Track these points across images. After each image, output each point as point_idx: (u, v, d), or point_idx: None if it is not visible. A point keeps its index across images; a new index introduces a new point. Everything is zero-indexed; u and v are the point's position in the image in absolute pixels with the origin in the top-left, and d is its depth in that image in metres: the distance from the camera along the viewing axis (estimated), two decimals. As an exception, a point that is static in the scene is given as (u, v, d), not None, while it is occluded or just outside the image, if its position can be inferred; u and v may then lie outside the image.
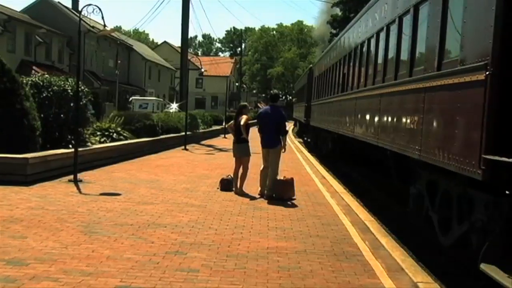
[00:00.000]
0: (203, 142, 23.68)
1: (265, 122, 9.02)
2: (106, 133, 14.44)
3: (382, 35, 8.57)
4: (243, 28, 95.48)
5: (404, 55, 7.08)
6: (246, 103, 10.47)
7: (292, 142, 27.12)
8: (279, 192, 8.83)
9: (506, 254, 4.00)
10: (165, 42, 73.17)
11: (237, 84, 74.32)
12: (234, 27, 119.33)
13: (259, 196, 8.87)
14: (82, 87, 12.11)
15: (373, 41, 9.38)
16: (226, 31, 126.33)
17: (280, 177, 9.22)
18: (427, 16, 6.12)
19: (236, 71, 78.21)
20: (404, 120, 6.74)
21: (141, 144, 15.90)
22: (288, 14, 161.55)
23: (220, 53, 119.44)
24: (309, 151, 21.38)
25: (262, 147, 9.11)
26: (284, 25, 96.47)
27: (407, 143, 6.48)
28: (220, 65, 69.59)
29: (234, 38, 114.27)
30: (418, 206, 6.63)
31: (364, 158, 11.34)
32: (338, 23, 42.35)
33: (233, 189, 9.26)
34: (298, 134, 36.05)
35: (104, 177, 10.39)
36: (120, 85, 39.17)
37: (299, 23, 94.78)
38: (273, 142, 8.94)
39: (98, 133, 14.20)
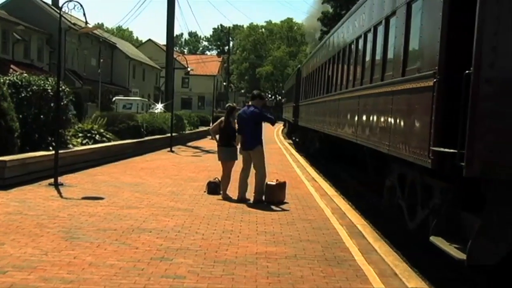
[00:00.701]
0: (189, 144, 23.64)
1: (243, 123, 8.94)
2: (89, 134, 14.35)
3: (361, 42, 9.62)
4: (231, 25, 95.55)
5: (378, 61, 8.10)
6: (235, 105, 10.40)
7: (282, 143, 27.17)
8: (270, 196, 8.83)
9: (449, 228, 5.20)
10: (149, 40, 72.95)
11: (224, 83, 74.29)
12: (221, 25, 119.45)
13: (247, 199, 8.84)
14: (63, 87, 12.02)
15: (353, 47, 10.47)
16: (213, 28, 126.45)
17: (270, 180, 9.23)
18: (395, 28, 7.20)
19: (224, 70, 78.22)
20: (377, 119, 7.84)
21: (125, 146, 15.82)
22: (277, 11, 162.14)
23: (207, 52, 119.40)
24: (298, 151, 22.00)
25: (242, 149, 8.98)
26: (273, 22, 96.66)
27: (379, 140, 7.57)
28: (207, 64, 69.55)
29: (222, 36, 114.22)
30: (391, 197, 7.52)
31: (348, 156, 12.32)
32: (329, 20, 42.58)
33: (221, 193, 9.21)
34: (288, 135, 36.19)
35: (86, 181, 10.32)
36: (103, 85, 38.91)
37: (289, 20, 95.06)
38: (251, 143, 8.83)
39: (80, 134, 14.09)
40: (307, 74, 21.33)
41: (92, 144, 13.92)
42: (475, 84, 4.46)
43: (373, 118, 8.11)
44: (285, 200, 9.02)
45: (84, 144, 13.61)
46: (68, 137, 12.81)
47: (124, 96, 39.41)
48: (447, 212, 5.31)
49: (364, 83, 9.10)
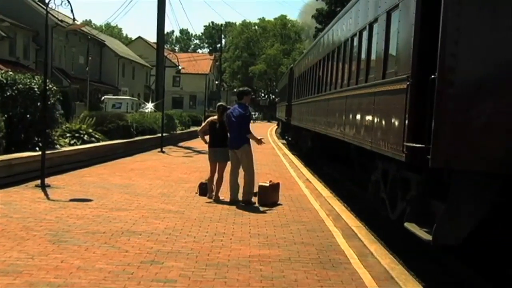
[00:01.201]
0: (180, 144, 23.60)
1: (230, 121, 8.91)
2: (77, 134, 14.30)
3: (348, 45, 10.47)
4: (223, 23, 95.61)
5: (363, 64, 8.93)
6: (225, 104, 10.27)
7: (275, 143, 27.20)
8: (263, 197, 8.83)
9: (421, 215, 5.93)
10: (139, 37, 72.76)
11: (216, 82, 74.24)
12: (212, 22, 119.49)
13: (239, 200, 8.83)
14: (50, 86, 11.97)
15: (341, 49, 11.25)
16: (205, 26, 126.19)
17: (264, 181, 9.22)
18: (377, 34, 7.99)
19: (216, 69, 78.14)
20: (361, 118, 8.62)
21: (114, 147, 15.77)
22: (271, 8, 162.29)
23: (198, 50, 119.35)
24: (291, 151, 22.55)
25: (229, 148, 8.95)
26: (266, 19, 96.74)
27: (363, 137, 8.36)
28: (199, 62, 69.48)
29: (214, 33, 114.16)
30: (375, 191, 8.25)
31: (338, 154, 12.98)
32: (323, 17, 42.69)
33: (208, 195, 9.18)
34: (281, 134, 36.28)
35: (74, 182, 10.28)
36: (92, 84, 38.77)
37: (282, 17, 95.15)
38: (237, 142, 8.79)
39: (68, 134, 14.05)
40: (299, 74, 22.32)
41: (80, 144, 13.88)
42: (439, 87, 5.18)
43: (358, 117, 8.91)
44: (279, 202, 9.03)
45: (72, 145, 13.57)
46: (56, 137, 12.77)
47: (113, 95, 39.30)
48: (419, 200, 6.06)
49: (350, 84, 9.91)
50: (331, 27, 13.68)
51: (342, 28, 11.52)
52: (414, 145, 5.71)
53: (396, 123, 6.48)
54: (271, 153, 19.96)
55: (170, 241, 6.10)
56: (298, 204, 9.10)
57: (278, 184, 9.35)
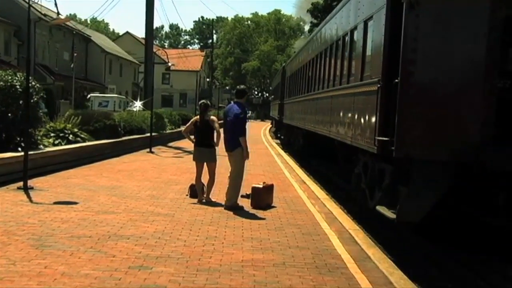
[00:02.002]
0: (170, 144, 23.58)
1: (226, 120, 8.77)
2: (61, 134, 14.23)
3: (334, 48, 11.72)
4: (214, 17, 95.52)
5: (346, 66, 10.08)
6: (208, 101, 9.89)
7: (269, 143, 27.22)
8: (257, 200, 8.82)
9: (390, 199, 7.11)
10: (127, 32, 72.54)
11: (208, 79, 74.16)
12: (203, 17, 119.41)
13: (237, 204, 8.79)
14: (33, 83, 11.89)
15: (328, 52, 12.57)
16: (194, 21, 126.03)
17: (257, 183, 9.22)
18: (356, 40, 9.30)
19: (207, 66, 78.07)
20: (343, 115, 9.88)
21: (101, 147, 15.72)
22: (264, 2, 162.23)
23: (189, 46, 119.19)
24: (285, 150, 23.30)
25: (225, 149, 8.82)
26: (259, 14, 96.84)
27: (345, 133, 9.57)
28: (189, 59, 69.37)
29: (204, 29, 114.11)
30: (357, 182, 9.22)
31: (327, 150, 13.85)
32: (319, 12, 42.77)
33: (198, 197, 9.15)
34: (275, 133, 36.38)
35: (58, 184, 10.23)
36: (77, 81, 38.60)
37: (276, 12, 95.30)
38: (231, 145, 8.63)
39: (52, 134, 13.97)
40: (290, 73, 23.98)
41: (65, 144, 13.82)
42: (400, 89, 6.44)
43: (341, 115, 10.14)
44: (273, 204, 9.04)
45: (56, 145, 13.50)
46: (39, 137, 12.70)
47: (99, 93, 39.17)
48: (389, 187, 7.22)
49: (335, 84, 11.22)
50: (319, 30, 15.30)
51: (328, 32, 12.97)
52: (383, 138, 6.88)
53: (370, 120, 7.65)
54: (264, 154, 19.97)
55: (159, 245, 6.08)
56: (293, 206, 9.11)
57: (272, 185, 9.36)
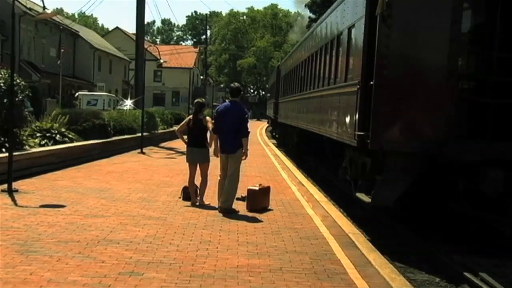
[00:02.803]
0: (162, 145, 23.56)
1: (225, 121, 8.62)
2: (48, 134, 14.20)
3: (323, 51, 13.38)
4: (208, 12, 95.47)
5: (334, 68, 11.58)
6: (203, 100, 9.97)
7: (266, 143, 27.23)
8: (252, 202, 8.81)
9: (368, 187, 8.64)
10: (117, 28, 72.47)
11: (202, 77, 74.14)
12: (196, 12, 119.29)
13: (232, 207, 8.78)
14: (18, 80, 11.86)
15: (318, 54, 14.25)
16: (187, 16, 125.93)
17: (253, 184, 9.20)
18: (342, 44, 10.83)
19: (201, 63, 78.01)
20: (331, 113, 11.49)
21: (89, 147, 15.70)
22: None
23: (182, 42, 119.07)
24: (279, 147, 24.36)
25: (220, 152, 8.70)
26: (255, 9, 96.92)
27: (332, 130, 11.14)
28: (182, 56, 69.30)
29: (198, 24, 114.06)
30: (344, 175, 10.72)
31: (319, 148, 15.24)
32: (317, 6, 42.84)
33: (192, 200, 9.13)
34: (272, 132, 36.44)
35: (45, 186, 10.21)
36: (64, 78, 38.53)
37: (273, 6, 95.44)
38: (232, 146, 8.54)
39: (38, 134, 13.94)
40: (285, 73, 25.89)
41: (52, 145, 13.79)
42: (374, 90, 7.88)
43: (329, 113, 11.70)
44: (270, 207, 9.04)
45: (43, 145, 13.47)
46: (24, 137, 12.66)
47: (88, 91, 39.10)
48: (368, 176, 8.69)
49: (324, 85, 12.80)
50: (311, 34, 17.20)
51: (318, 35, 14.70)
52: (361, 133, 8.30)
53: (352, 117, 9.05)
54: (261, 154, 19.98)
55: (151, 250, 6.07)
56: (291, 209, 9.11)
57: (268, 187, 9.35)
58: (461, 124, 7.87)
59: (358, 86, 8.60)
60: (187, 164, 9.33)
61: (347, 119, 9.40)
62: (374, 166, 8.31)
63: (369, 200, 8.28)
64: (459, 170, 7.79)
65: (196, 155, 9.10)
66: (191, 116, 9.45)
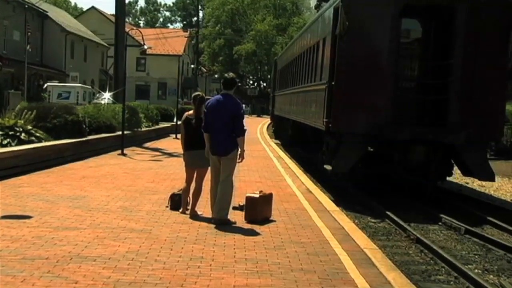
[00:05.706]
0: (146, 145, 23.59)
1: (216, 117, 8.53)
2: (11, 132, 14.24)
3: (310, 52, 18.34)
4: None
5: (317, 68, 16.41)
6: (203, 94, 9.96)
7: (267, 143, 27.25)
8: (252, 212, 8.83)
9: (331, 160, 13.95)
10: (93, 7, 72.61)
11: (192, 66, 74.29)
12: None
13: (228, 218, 8.79)
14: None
15: (305, 55, 19.66)
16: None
17: (253, 191, 9.23)
18: (319, 50, 16.18)
19: (191, 49, 78.15)
20: (311, 105, 17.02)
21: (61, 148, 15.71)
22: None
23: (169, 25, 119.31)
24: (284, 149, 26.09)
25: (211, 153, 8.67)
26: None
27: (311, 119, 16.79)
28: (170, 41, 69.49)
29: (189, 3, 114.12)
30: (322, 156, 15.51)
31: (308, 137, 19.88)
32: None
33: (181, 209, 9.19)
34: (275, 133, 36.55)
35: (7, 194, 10.23)
36: (30, 67, 38.62)
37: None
38: (225, 147, 8.52)
39: (0, 132, 13.95)
40: (280, 67, 31.59)
41: (16, 145, 13.82)
42: (334, 88, 13.44)
43: (311, 105, 16.85)
44: (272, 218, 9.06)
45: (5, 146, 13.50)
46: (-16, 136, 12.67)
47: (59, 82, 39.18)
48: (331, 152, 14.03)
49: (310, 81, 17.90)
50: (301, 35, 23.43)
51: (307, 37, 20.21)
52: (327, 120, 13.61)
53: (322, 108, 14.32)
54: (262, 156, 20.01)
55: (133, 269, 6.09)
56: (296, 220, 9.14)
57: (270, 195, 9.37)
58: (396, 113, 13.08)
59: (326, 85, 13.97)
60: (184, 168, 9.31)
61: (320, 110, 14.84)
62: (335, 144, 13.66)
63: (330, 168, 13.64)
64: (394, 146, 13.04)
65: (200, 158, 8.95)
66: (188, 113, 9.36)
